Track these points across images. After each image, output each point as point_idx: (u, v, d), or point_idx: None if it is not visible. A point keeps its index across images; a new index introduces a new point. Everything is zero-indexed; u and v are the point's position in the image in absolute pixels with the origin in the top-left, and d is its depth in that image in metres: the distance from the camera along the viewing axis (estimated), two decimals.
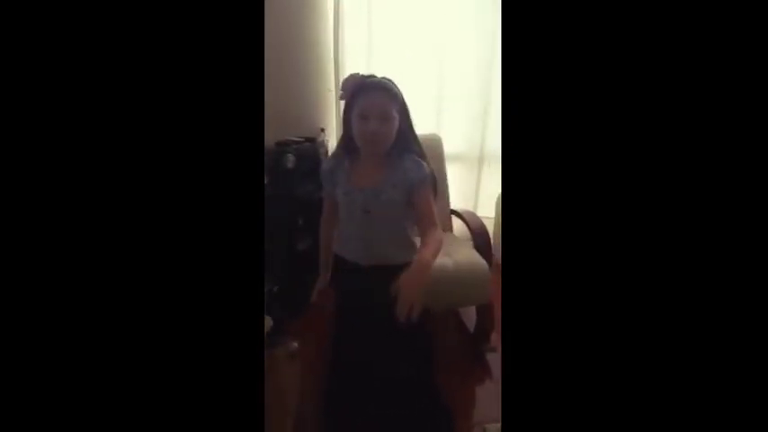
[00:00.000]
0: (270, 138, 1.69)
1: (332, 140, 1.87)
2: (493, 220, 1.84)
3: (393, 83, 0.86)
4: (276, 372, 0.95)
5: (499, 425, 0.94)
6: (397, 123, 0.83)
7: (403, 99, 0.85)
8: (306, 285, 1.66)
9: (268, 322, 0.64)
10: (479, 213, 1.64)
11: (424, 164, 0.87)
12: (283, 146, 1.62)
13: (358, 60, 1.78)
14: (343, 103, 0.88)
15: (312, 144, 1.68)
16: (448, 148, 1.66)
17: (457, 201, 1.66)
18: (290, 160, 1.57)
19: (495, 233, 1.78)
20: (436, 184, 0.90)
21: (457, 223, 1.58)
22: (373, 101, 0.81)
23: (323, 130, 1.87)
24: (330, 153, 1.77)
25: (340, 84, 1.81)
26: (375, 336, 0.91)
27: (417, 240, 0.91)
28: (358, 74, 0.85)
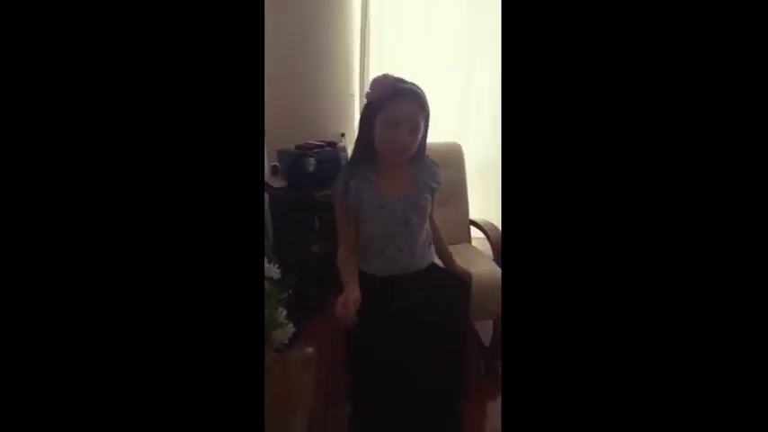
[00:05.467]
0: (291, 141, 1.70)
1: (351, 145, 1.87)
2: None
3: (421, 89, 0.82)
4: (290, 376, 0.94)
5: None
6: (422, 134, 0.81)
7: (428, 106, 0.82)
8: (321, 288, 1.66)
9: (290, 329, 0.64)
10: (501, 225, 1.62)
11: (434, 166, 0.88)
12: (304, 149, 1.63)
13: (383, 67, 1.79)
14: (358, 102, 0.88)
15: (333, 148, 1.68)
16: (470, 156, 1.65)
17: (477, 211, 1.64)
18: (311, 164, 1.57)
19: None
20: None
21: (475, 233, 1.56)
22: (406, 110, 0.77)
23: (343, 134, 1.87)
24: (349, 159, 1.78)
25: (362, 88, 1.83)
26: (410, 343, 0.87)
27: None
28: (389, 76, 0.80)
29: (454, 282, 0.94)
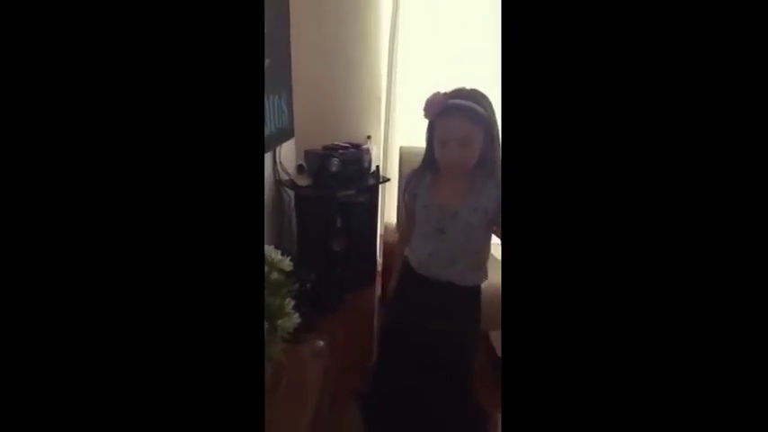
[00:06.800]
0: (318, 141, 1.76)
1: (377, 148, 1.90)
2: None
3: (480, 97, 0.79)
4: (300, 368, 0.97)
5: None
6: (479, 147, 0.78)
7: (489, 118, 0.79)
8: (338, 286, 1.70)
9: (295, 318, 0.67)
10: None
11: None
12: (330, 150, 1.67)
13: (411, 71, 1.81)
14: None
15: (357, 150, 1.72)
16: None
17: None
18: (335, 164, 1.62)
19: None
20: None
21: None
22: (453, 126, 0.77)
23: (369, 137, 1.91)
24: (373, 160, 1.82)
25: (389, 92, 1.86)
26: (422, 347, 0.91)
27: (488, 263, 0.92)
28: (440, 94, 0.80)
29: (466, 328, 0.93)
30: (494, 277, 1.28)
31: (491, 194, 0.82)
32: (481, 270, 0.91)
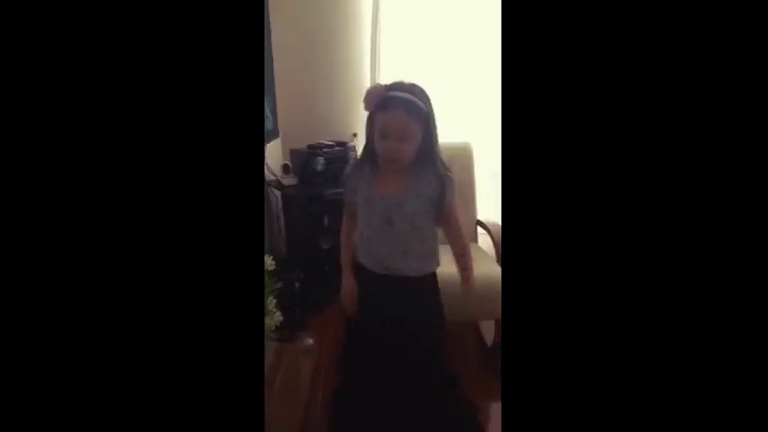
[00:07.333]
0: (303, 140, 1.75)
1: (362, 145, 1.91)
2: None
3: (419, 92, 0.81)
4: (290, 366, 0.98)
5: None
6: (418, 141, 0.80)
7: (428, 112, 0.80)
8: (327, 284, 1.70)
9: (278, 317, 0.67)
10: None
11: (447, 174, 0.85)
12: (315, 149, 1.67)
13: (394, 68, 1.81)
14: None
15: (343, 148, 1.72)
16: (484, 157, 1.65)
17: (491, 212, 1.62)
18: (320, 163, 1.62)
19: None
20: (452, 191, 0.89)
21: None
22: (392, 120, 0.78)
23: (355, 134, 1.91)
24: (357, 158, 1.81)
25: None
26: (387, 343, 0.91)
27: (438, 248, 0.92)
28: (380, 85, 0.81)
29: (433, 308, 0.93)
30: (481, 268, 1.30)
31: (431, 181, 0.84)
32: (433, 258, 0.91)
